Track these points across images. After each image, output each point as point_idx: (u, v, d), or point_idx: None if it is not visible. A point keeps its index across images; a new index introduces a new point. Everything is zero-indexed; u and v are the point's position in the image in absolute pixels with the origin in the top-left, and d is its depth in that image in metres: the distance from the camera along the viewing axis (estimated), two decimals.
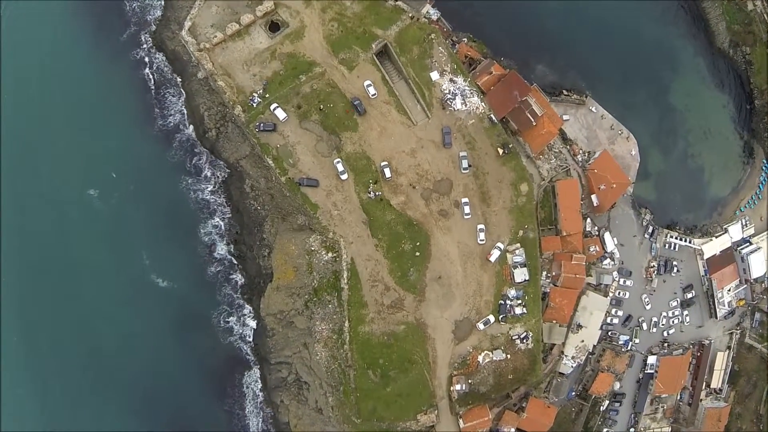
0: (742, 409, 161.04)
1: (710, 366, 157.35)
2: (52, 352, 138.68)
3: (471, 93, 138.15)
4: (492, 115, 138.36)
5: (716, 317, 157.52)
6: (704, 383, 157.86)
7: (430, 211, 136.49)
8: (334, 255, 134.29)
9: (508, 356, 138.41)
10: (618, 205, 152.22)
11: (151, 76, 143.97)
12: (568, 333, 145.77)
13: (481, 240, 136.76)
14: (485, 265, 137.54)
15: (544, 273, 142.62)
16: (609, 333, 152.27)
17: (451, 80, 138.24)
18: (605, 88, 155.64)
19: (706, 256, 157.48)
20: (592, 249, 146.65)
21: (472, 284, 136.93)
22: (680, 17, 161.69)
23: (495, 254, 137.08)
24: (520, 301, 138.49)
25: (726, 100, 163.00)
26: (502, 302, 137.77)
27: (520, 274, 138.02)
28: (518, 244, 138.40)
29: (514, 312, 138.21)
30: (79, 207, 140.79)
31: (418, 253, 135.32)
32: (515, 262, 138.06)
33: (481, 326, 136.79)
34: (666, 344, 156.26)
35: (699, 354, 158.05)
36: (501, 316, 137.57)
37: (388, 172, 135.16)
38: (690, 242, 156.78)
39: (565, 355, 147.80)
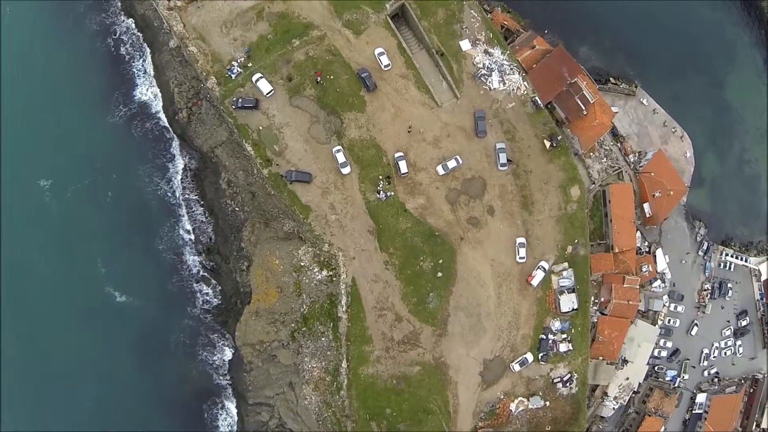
0: None
1: (761, 404, 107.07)
2: None
3: (511, 69, 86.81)
4: (537, 98, 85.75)
5: None
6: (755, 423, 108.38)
7: (456, 218, 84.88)
8: (330, 273, 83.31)
9: (548, 403, 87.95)
10: (670, 217, 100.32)
11: (115, 47, 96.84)
12: (614, 371, 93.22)
13: (520, 258, 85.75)
14: (525, 290, 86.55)
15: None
16: (656, 368, 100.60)
17: (485, 52, 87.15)
18: (655, 78, 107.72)
19: (763, 277, 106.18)
20: (644, 269, 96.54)
21: (507, 314, 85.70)
22: (732, 2, 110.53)
23: (538, 276, 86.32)
24: (565, 336, 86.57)
25: None
26: (544, 337, 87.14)
27: (567, 302, 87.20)
28: (566, 264, 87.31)
29: (558, 349, 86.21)
30: (27, 200, 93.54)
31: (440, 274, 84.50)
32: (562, 287, 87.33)
33: (516, 367, 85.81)
34: (717, 380, 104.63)
35: (752, 390, 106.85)
36: (541, 355, 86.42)
37: (403, 166, 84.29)
38: (746, 261, 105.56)
39: (607, 396, 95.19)
